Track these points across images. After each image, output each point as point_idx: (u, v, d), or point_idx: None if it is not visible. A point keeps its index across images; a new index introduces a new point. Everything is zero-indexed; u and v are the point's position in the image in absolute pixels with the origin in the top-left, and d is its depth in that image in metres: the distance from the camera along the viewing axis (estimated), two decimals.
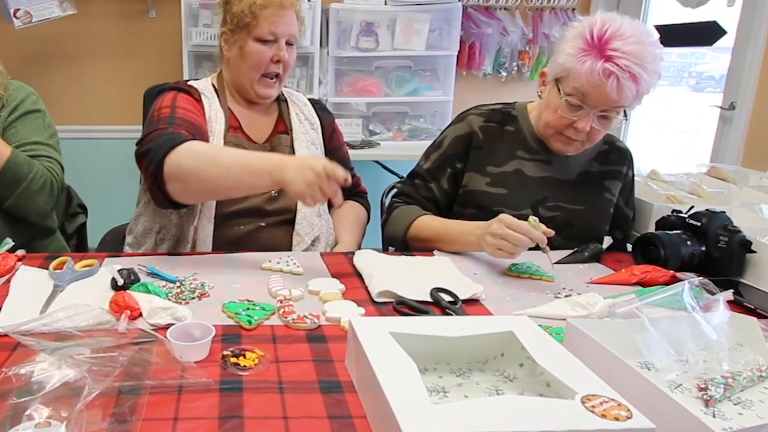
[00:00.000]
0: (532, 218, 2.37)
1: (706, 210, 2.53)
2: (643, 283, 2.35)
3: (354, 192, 3.26)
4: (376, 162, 5.78)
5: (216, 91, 2.91)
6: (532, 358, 1.48)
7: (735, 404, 1.52)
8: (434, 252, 2.66)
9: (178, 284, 2.18)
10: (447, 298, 2.11)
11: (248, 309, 1.96)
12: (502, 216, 2.40)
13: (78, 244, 3.28)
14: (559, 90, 2.57)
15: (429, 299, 2.11)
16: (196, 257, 2.52)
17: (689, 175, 3.39)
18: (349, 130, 5.70)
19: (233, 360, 1.65)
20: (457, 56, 5.94)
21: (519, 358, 1.58)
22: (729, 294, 1.97)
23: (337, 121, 3.26)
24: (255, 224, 2.79)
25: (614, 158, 2.90)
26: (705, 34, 5.22)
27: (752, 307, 2.13)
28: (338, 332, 1.88)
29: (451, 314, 2.01)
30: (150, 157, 2.40)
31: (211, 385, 1.54)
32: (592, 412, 1.22)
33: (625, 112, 2.55)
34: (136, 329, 1.77)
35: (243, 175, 2.35)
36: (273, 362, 1.68)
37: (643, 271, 2.38)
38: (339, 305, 2.04)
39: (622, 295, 2.14)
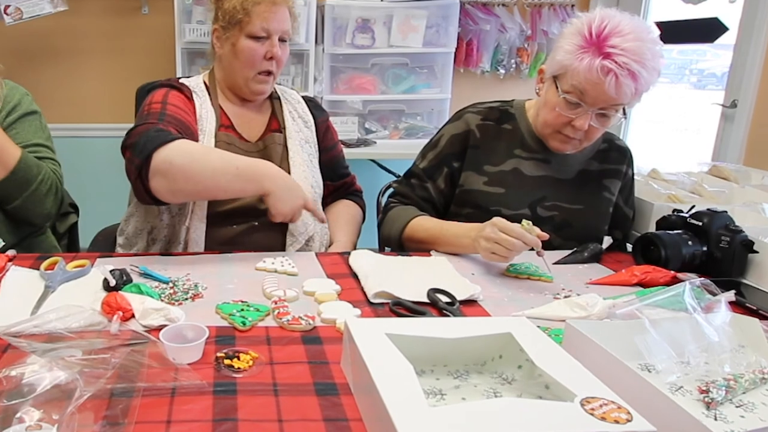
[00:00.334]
0: (525, 222, 2.37)
1: (708, 209, 2.53)
2: (644, 284, 2.35)
3: (349, 191, 3.28)
4: (372, 161, 5.79)
5: (207, 89, 2.91)
6: (530, 360, 1.48)
7: (737, 407, 1.53)
8: (431, 252, 2.66)
9: (170, 285, 2.18)
10: (444, 299, 2.11)
11: (242, 310, 1.96)
12: (495, 219, 2.40)
13: (69, 244, 3.27)
14: (557, 87, 2.57)
15: (426, 300, 2.11)
16: (189, 257, 2.52)
17: (690, 174, 3.40)
18: (345, 128, 5.71)
19: (227, 362, 1.64)
20: (455, 53, 5.95)
21: (517, 359, 1.58)
22: (731, 295, 1.96)
23: (332, 119, 3.26)
24: (248, 224, 2.78)
25: (614, 157, 2.90)
26: (706, 30, 5.23)
27: (754, 308, 2.13)
28: (334, 334, 1.88)
29: (448, 315, 2.01)
30: (138, 150, 2.39)
31: (204, 387, 1.54)
32: (592, 414, 1.22)
33: (624, 110, 2.55)
34: (129, 331, 1.77)
35: (234, 180, 2.43)
36: (267, 364, 1.68)
37: (643, 272, 2.38)
38: (334, 306, 2.04)
39: (622, 296, 2.14)
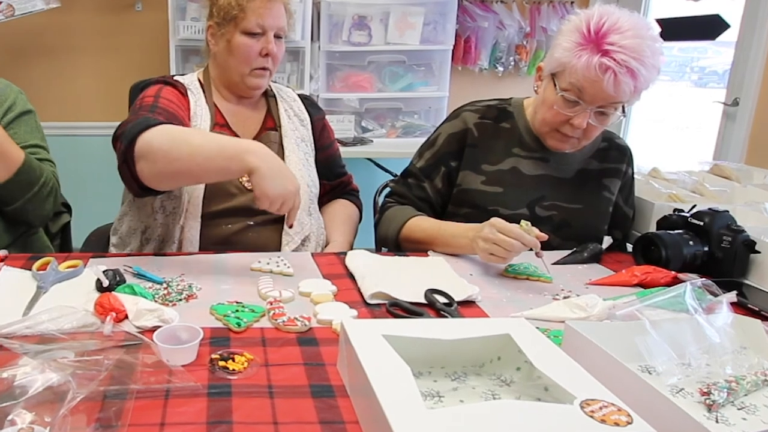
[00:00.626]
0: (524, 222, 2.37)
1: (709, 209, 2.53)
2: (644, 285, 2.35)
3: (345, 190, 3.28)
4: (369, 160, 5.78)
5: (202, 86, 2.91)
6: (529, 361, 1.48)
7: (739, 409, 1.53)
8: (429, 252, 2.66)
9: (164, 285, 2.18)
10: (442, 299, 2.11)
11: (237, 311, 1.96)
12: (493, 220, 2.40)
13: (62, 244, 3.27)
14: (555, 85, 2.57)
15: (423, 301, 2.11)
16: (184, 258, 2.52)
17: (691, 173, 3.40)
18: (341, 126, 5.71)
19: (222, 363, 1.64)
20: (453, 51, 5.94)
21: (516, 361, 1.58)
22: (732, 295, 1.96)
23: (328, 117, 3.27)
24: (243, 223, 2.78)
25: (613, 156, 2.90)
26: (708, 27, 5.23)
27: (756, 309, 2.13)
28: (330, 335, 1.88)
29: (446, 316, 2.01)
30: (124, 137, 2.38)
31: (198, 389, 1.54)
32: (592, 417, 1.22)
33: (623, 108, 2.55)
34: (122, 332, 1.77)
35: (215, 157, 2.29)
36: (263, 366, 1.68)
37: (643, 272, 2.38)
38: (331, 307, 2.04)
39: (622, 297, 2.14)
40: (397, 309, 2.06)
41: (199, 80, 2.94)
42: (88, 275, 2.18)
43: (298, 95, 3.15)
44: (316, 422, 1.44)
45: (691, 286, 1.82)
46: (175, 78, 2.88)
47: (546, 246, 2.35)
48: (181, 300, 2.08)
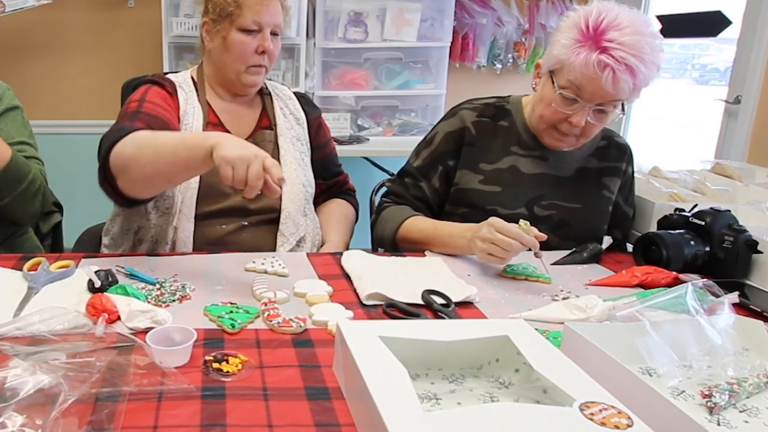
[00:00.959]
0: (522, 222, 2.36)
1: (711, 208, 2.53)
2: (645, 285, 2.35)
3: (342, 190, 3.28)
4: (365, 158, 5.78)
5: (195, 84, 2.92)
6: (528, 363, 1.48)
7: (741, 412, 1.53)
8: (426, 252, 2.66)
9: (157, 286, 2.18)
10: (439, 300, 2.11)
11: (231, 312, 1.96)
12: (491, 219, 2.40)
13: (53, 244, 3.27)
14: (553, 83, 2.57)
15: (420, 302, 2.11)
16: (177, 258, 2.52)
17: (692, 171, 3.40)
18: (337, 124, 5.71)
19: (216, 365, 1.64)
20: (450, 48, 5.94)
21: (514, 363, 1.58)
22: (734, 296, 1.96)
23: (324, 115, 3.27)
24: (237, 223, 2.78)
25: (613, 154, 2.89)
26: (709, 24, 5.24)
27: (759, 310, 2.13)
28: (325, 336, 1.88)
29: (443, 318, 2.01)
30: (99, 154, 2.44)
31: (192, 391, 1.54)
32: (591, 419, 1.22)
33: (623, 105, 2.55)
34: (114, 333, 1.77)
35: (178, 149, 2.26)
36: (257, 368, 1.68)
37: (644, 273, 2.38)
38: (326, 308, 2.04)
39: (622, 298, 2.14)
40: (394, 310, 2.06)
41: (193, 78, 2.94)
42: (80, 276, 2.18)
43: (294, 93, 3.15)
44: (311, 425, 1.44)
45: (692, 286, 1.82)
46: (166, 76, 2.89)
47: (545, 246, 2.35)
48: (174, 301, 2.08)
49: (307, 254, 2.63)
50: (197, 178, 2.71)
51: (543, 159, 2.80)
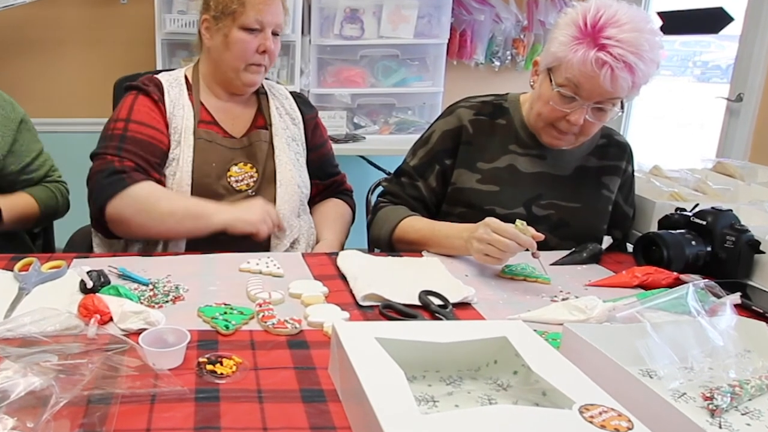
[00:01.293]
0: (519, 222, 2.36)
1: (712, 208, 2.53)
2: (645, 286, 2.35)
3: (339, 190, 3.29)
4: (361, 157, 5.79)
5: (188, 83, 2.92)
6: (526, 365, 1.48)
7: (743, 414, 1.53)
8: (423, 253, 2.66)
9: (150, 287, 2.18)
10: (436, 301, 2.11)
11: (225, 313, 1.96)
12: (488, 220, 2.40)
13: (44, 244, 3.27)
14: (551, 80, 2.57)
15: (417, 303, 2.11)
16: (170, 258, 2.51)
17: (694, 170, 3.40)
18: (333, 123, 5.69)
19: (209, 367, 1.64)
20: (448, 44, 5.92)
21: (513, 365, 1.58)
22: (736, 297, 1.96)
23: (320, 113, 3.27)
24: None
25: (613, 153, 2.89)
26: (711, 21, 5.23)
27: (761, 311, 2.13)
28: (321, 338, 1.87)
29: (440, 319, 2.01)
30: (93, 199, 2.63)
31: (186, 394, 1.54)
32: (591, 422, 1.22)
33: (621, 103, 2.55)
34: (107, 335, 1.77)
35: (183, 219, 2.63)
36: (252, 370, 1.68)
37: (644, 273, 2.38)
38: (322, 309, 2.04)
39: (622, 299, 2.14)
40: (391, 311, 2.06)
41: (186, 77, 2.94)
42: (72, 276, 2.18)
43: (291, 93, 3.16)
44: (306, 428, 1.44)
45: (693, 287, 1.82)
46: (155, 77, 2.91)
47: (544, 246, 2.36)
48: (167, 302, 2.08)
49: (303, 254, 2.62)
50: (190, 179, 2.74)
51: (541, 158, 2.80)
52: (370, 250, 3.04)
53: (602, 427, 1.21)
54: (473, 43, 6.15)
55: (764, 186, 3.09)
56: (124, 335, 1.76)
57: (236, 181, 2.82)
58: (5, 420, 1.32)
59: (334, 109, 5.80)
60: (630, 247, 2.81)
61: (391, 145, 5.63)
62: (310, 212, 3.11)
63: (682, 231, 2.51)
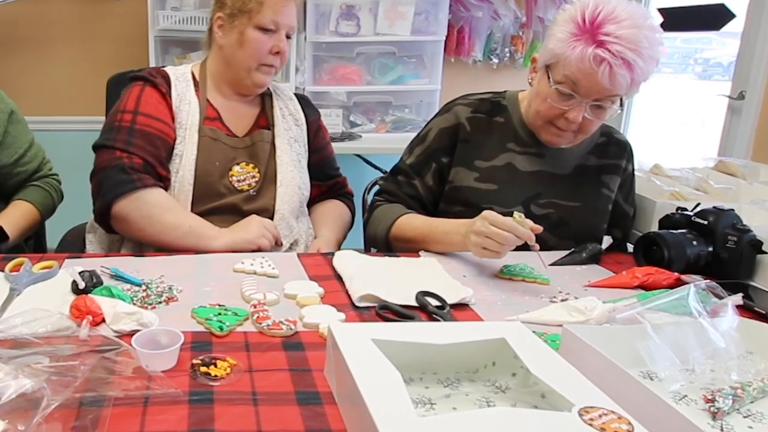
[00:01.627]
0: (517, 214, 2.37)
1: (714, 207, 2.54)
2: (646, 287, 2.35)
3: (339, 192, 3.31)
4: (358, 156, 5.79)
5: (195, 80, 2.93)
6: (525, 367, 1.48)
7: (745, 417, 1.53)
8: (420, 253, 2.66)
9: (143, 287, 2.18)
10: (434, 302, 2.11)
11: (219, 314, 1.95)
12: (486, 213, 2.40)
13: (36, 244, 3.27)
14: (549, 77, 2.57)
15: (414, 304, 2.10)
16: (163, 258, 2.52)
17: (695, 169, 3.40)
18: (329, 121, 5.66)
19: (203, 369, 1.64)
20: (445, 42, 5.91)
21: (512, 367, 1.58)
22: (738, 298, 1.96)
23: None
24: (231, 223, 2.78)
25: (612, 151, 2.90)
26: (712, 17, 5.23)
27: (763, 312, 2.13)
28: (317, 339, 1.87)
29: (438, 320, 2.01)
30: (101, 195, 2.69)
31: (179, 396, 1.54)
32: (591, 425, 1.22)
33: (621, 101, 2.56)
34: (99, 336, 1.77)
35: (184, 237, 2.67)
36: (246, 371, 1.68)
37: (645, 274, 2.38)
38: (317, 310, 2.04)
39: (622, 299, 2.14)
40: (387, 312, 2.06)
41: (193, 73, 2.96)
42: (64, 277, 2.18)
43: (295, 95, 3.18)
44: (302, 431, 1.43)
45: (694, 288, 1.82)
46: (163, 69, 2.93)
47: (542, 245, 2.36)
48: (160, 302, 2.07)
49: (298, 255, 2.62)
50: (192, 178, 2.76)
51: (540, 156, 2.80)
52: (367, 250, 3.05)
53: (602, 429, 1.21)
54: (471, 40, 6.15)
55: (766, 185, 3.09)
56: (117, 337, 1.76)
57: (238, 181, 2.84)
58: None
59: (329, 107, 5.79)
60: (630, 247, 2.82)
61: (387, 144, 5.63)
62: (310, 213, 3.13)
63: (683, 231, 2.51)
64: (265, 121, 3.00)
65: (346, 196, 3.34)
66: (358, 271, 2.32)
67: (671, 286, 2.27)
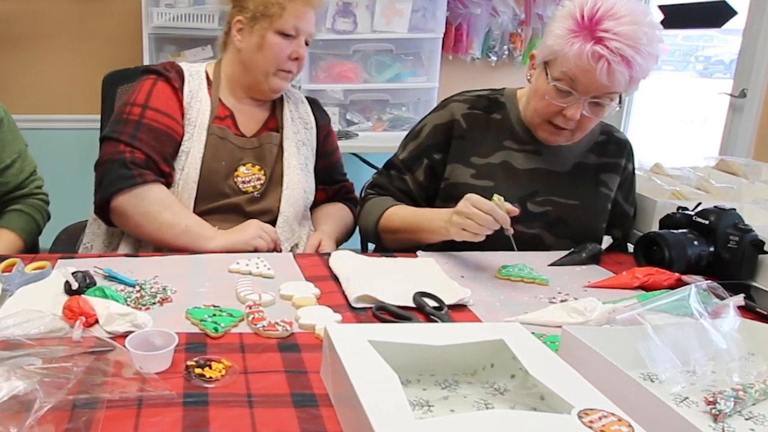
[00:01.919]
0: (496, 196, 2.39)
1: (715, 207, 2.54)
2: (646, 287, 2.35)
3: (345, 197, 3.34)
4: (354, 154, 5.79)
5: (209, 79, 2.94)
6: (524, 368, 1.48)
7: (746, 419, 1.53)
8: (418, 253, 2.66)
9: (137, 288, 2.17)
10: (431, 303, 2.11)
11: (214, 315, 1.95)
12: (468, 195, 2.42)
13: None
14: (547, 74, 2.58)
15: (412, 305, 2.10)
16: (158, 259, 2.51)
17: (696, 168, 3.40)
18: None
19: (198, 371, 1.64)
20: (443, 39, 5.90)
21: (510, 368, 1.58)
22: (740, 299, 1.96)
23: None
24: (233, 224, 2.79)
25: (612, 150, 2.90)
26: (713, 14, 5.24)
27: (765, 312, 2.13)
28: (313, 341, 1.87)
29: (436, 321, 2.01)
30: (102, 188, 2.72)
31: (173, 398, 1.53)
32: (590, 427, 1.22)
33: (620, 98, 2.56)
34: (92, 337, 1.76)
35: (180, 236, 2.70)
36: (241, 373, 1.67)
37: (645, 274, 2.38)
38: (313, 311, 2.03)
39: (622, 300, 2.14)
40: (384, 313, 2.05)
41: (207, 73, 2.97)
42: (57, 277, 2.17)
43: (307, 98, 3.20)
44: None
45: (695, 288, 1.82)
46: (177, 64, 2.95)
47: (541, 245, 2.38)
48: (154, 303, 2.07)
49: (294, 255, 2.63)
50: (197, 176, 2.78)
51: (537, 153, 2.81)
52: (363, 249, 3.05)
53: None
54: (469, 37, 6.15)
55: None
56: (110, 338, 1.76)
57: (243, 182, 2.85)
58: None
59: (326, 106, 5.76)
60: (630, 247, 2.82)
61: (384, 142, 5.60)
62: (312, 214, 3.15)
63: (684, 231, 2.51)
64: (274, 123, 3.02)
65: (351, 201, 3.34)
66: (355, 272, 2.32)
67: (672, 287, 2.26)
